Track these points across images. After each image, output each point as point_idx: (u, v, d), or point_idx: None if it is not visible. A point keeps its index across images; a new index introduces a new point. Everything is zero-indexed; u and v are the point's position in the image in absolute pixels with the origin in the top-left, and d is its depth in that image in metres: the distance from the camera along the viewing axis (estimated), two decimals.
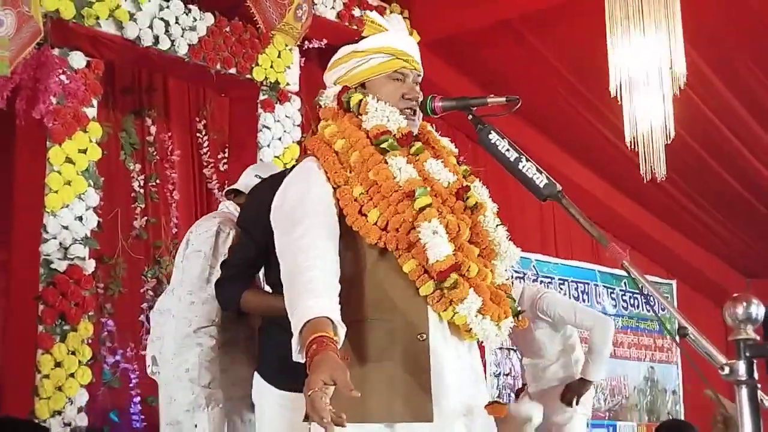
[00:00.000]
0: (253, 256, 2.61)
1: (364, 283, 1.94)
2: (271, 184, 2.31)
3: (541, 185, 1.83)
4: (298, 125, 4.81)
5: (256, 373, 2.64)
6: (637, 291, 7.16)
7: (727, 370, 1.51)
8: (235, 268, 2.63)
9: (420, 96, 2.08)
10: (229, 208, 3.02)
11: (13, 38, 3.46)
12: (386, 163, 1.96)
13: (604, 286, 6.96)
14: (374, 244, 1.92)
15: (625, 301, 7.13)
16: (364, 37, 2.16)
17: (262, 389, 2.59)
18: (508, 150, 1.88)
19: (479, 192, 2.11)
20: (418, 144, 2.07)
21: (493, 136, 1.90)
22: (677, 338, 1.68)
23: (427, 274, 1.90)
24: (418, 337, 1.90)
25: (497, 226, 2.10)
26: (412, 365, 1.89)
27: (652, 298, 1.72)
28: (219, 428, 2.80)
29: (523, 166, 1.87)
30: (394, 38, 2.13)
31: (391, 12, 5.26)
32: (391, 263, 1.93)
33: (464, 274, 1.93)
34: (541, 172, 1.85)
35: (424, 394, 1.87)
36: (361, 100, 2.06)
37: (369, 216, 1.93)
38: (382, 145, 1.97)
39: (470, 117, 1.98)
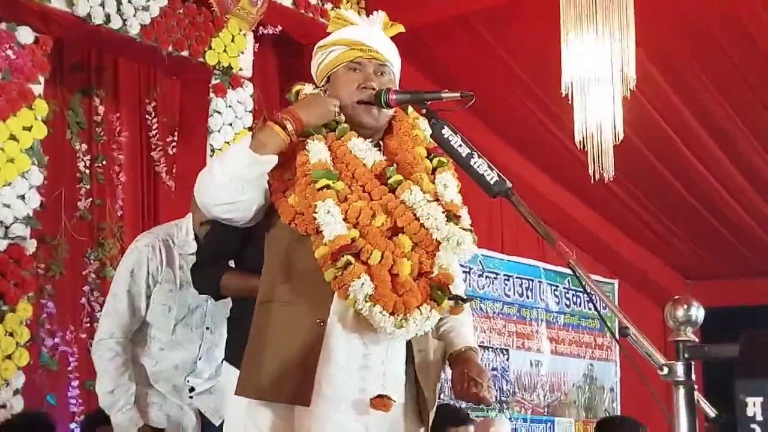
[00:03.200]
0: (228, 242, 2.60)
1: (278, 266, 2.04)
2: None
3: (492, 182, 1.85)
4: (250, 111, 4.77)
5: (224, 361, 2.66)
6: (581, 289, 7.26)
7: (666, 370, 1.54)
8: (210, 253, 2.61)
9: (381, 85, 2.08)
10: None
11: None
12: (306, 147, 2.02)
13: (548, 283, 7.04)
14: (289, 225, 1.99)
15: (568, 298, 7.22)
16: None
17: (231, 375, 2.58)
18: (460, 146, 1.89)
19: (445, 182, 2.09)
20: (342, 126, 2.08)
21: (446, 131, 1.91)
22: (617, 337, 1.71)
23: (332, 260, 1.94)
24: (318, 322, 1.96)
25: (438, 211, 2.03)
26: (306, 350, 1.95)
27: (595, 297, 1.75)
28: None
29: (475, 162, 1.89)
30: (353, 30, 2.14)
31: (347, 1, 5.24)
32: (307, 247, 1.98)
33: (365, 261, 1.94)
34: (492, 169, 1.86)
35: (307, 379, 1.93)
36: (298, 91, 2.15)
37: (289, 198, 2.01)
38: (306, 130, 2.03)
39: (424, 111, 1.99)
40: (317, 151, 2.01)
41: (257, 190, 2.00)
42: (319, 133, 2.04)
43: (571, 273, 1.72)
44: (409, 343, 2.04)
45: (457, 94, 1.96)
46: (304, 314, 1.97)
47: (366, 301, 1.91)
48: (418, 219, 2.01)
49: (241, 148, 1.97)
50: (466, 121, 5.41)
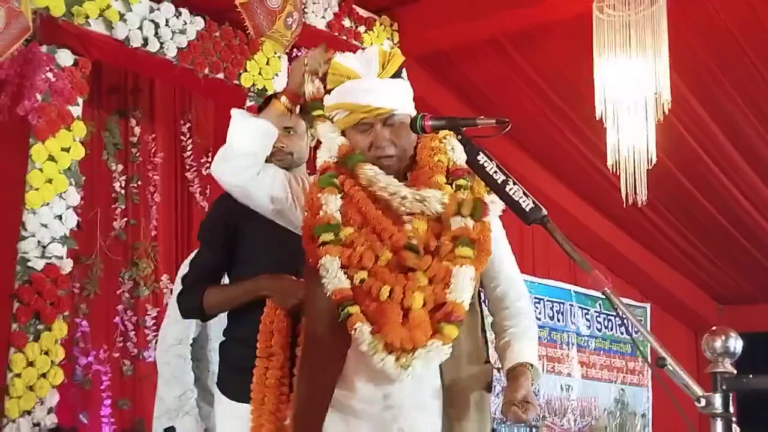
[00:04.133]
0: (211, 265, 2.61)
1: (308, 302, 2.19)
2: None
3: (527, 209, 1.84)
4: None
5: (215, 384, 2.71)
6: (612, 313, 7.20)
7: (703, 402, 1.53)
8: (194, 278, 2.63)
9: (392, 134, 2.12)
10: None
11: (2, 33, 3.43)
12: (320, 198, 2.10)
13: (579, 307, 7.00)
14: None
15: (599, 322, 7.17)
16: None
17: (219, 400, 2.64)
18: (495, 172, 1.89)
19: (465, 209, 2.08)
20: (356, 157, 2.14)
21: (482, 158, 1.91)
22: (647, 362, 1.70)
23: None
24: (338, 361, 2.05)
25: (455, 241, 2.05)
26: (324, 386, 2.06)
27: (630, 325, 1.74)
28: None
29: (510, 189, 1.88)
30: (351, 89, 2.14)
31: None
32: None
33: (376, 298, 1.99)
34: (527, 196, 1.86)
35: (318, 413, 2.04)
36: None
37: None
38: (320, 183, 2.11)
39: (459, 137, 1.99)
40: (326, 203, 2.06)
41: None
42: (329, 184, 2.10)
43: (604, 297, 1.71)
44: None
45: (492, 121, 1.96)
46: (325, 351, 2.06)
47: (369, 346, 1.95)
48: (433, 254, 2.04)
49: (258, 122, 2.12)
50: (498, 144, 5.41)
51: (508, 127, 1.92)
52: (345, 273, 1.99)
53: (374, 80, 2.15)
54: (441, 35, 5.35)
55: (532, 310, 2.30)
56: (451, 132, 2.11)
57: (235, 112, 2.13)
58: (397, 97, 2.16)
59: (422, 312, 1.97)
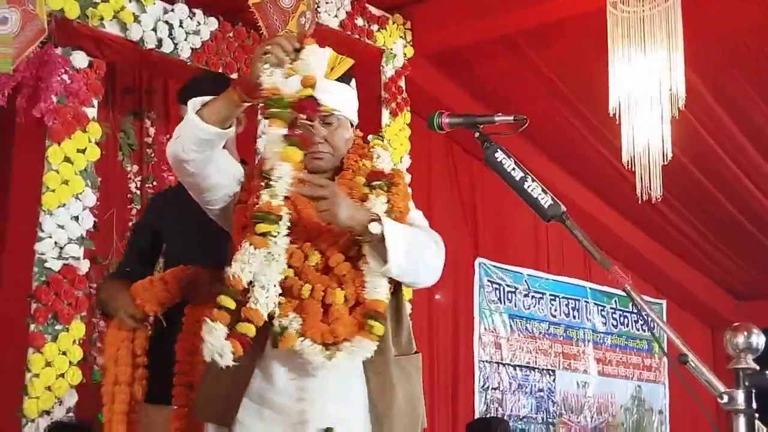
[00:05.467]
0: (136, 253, 2.88)
1: None
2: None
3: (546, 206, 1.84)
4: None
5: None
6: (628, 310, 7.18)
7: (726, 398, 1.52)
8: (117, 270, 2.86)
9: (327, 138, 2.18)
10: None
11: (17, 36, 3.46)
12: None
13: (594, 303, 6.98)
14: None
15: (615, 318, 7.15)
16: None
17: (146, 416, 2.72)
18: (513, 169, 1.89)
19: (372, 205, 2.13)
20: None
21: (500, 155, 1.91)
22: (668, 358, 1.69)
23: None
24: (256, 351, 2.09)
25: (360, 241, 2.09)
26: (239, 375, 2.09)
27: (650, 321, 1.73)
28: None
29: (529, 186, 1.88)
30: (297, 84, 2.15)
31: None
32: None
33: (299, 296, 2.04)
34: (546, 193, 1.86)
35: (232, 403, 2.12)
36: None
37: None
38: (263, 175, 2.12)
39: (477, 135, 1.99)
40: (270, 195, 2.07)
41: (209, 155, 2.08)
42: None
43: (619, 293, 1.71)
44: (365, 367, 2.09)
45: (510, 118, 1.96)
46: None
47: (297, 336, 2.01)
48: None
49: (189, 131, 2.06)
50: (512, 142, 5.40)
51: (526, 124, 1.91)
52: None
53: (327, 80, 2.20)
54: (454, 33, 5.34)
55: (434, 243, 2.21)
56: (379, 142, 2.29)
57: (189, 105, 2.06)
58: (340, 100, 2.21)
59: (342, 307, 2.04)
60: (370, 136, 2.31)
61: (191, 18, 4.29)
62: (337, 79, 2.21)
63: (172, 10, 4.21)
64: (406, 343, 2.21)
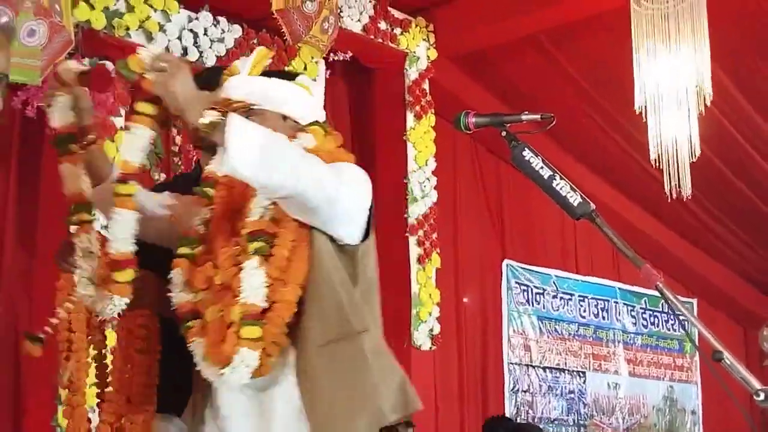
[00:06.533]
0: None
1: None
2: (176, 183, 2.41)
3: (575, 204, 1.83)
4: None
5: None
6: (659, 309, 7.12)
7: (762, 396, 1.51)
8: None
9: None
10: None
11: (45, 48, 3.49)
12: None
13: (624, 304, 6.92)
14: None
15: (645, 319, 7.09)
16: None
17: None
18: (542, 168, 1.88)
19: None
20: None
21: (527, 154, 1.90)
22: (702, 356, 1.67)
23: None
24: None
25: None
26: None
27: (683, 319, 1.72)
28: None
29: (557, 184, 1.87)
30: (226, 86, 2.18)
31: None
32: None
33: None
34: (575, 191, 1.84)
35: None
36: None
37: None
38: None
39: (504, 133, 1.98)
40: (195, 214, 2.08)
41: None
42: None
43: (649, 292, 1.70)
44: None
45: (537, 116, 1.95)
46: None
47: (203, 360, 1.97)
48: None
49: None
50: (537, 141, 5.38)
51: (553, 123, 1.90)
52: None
53: (238, 77, 2.15)
54: (478, 34, 5.34)
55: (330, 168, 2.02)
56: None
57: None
58: (259, 94, 2.11)
59: (222, 324, 1.95)
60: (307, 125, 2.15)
61: (215, 26, 4.32)
62: (265, 74, 2.16)
63: (197, 19, 4.24)
64: (338, 324, 1.99)
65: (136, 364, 2.19)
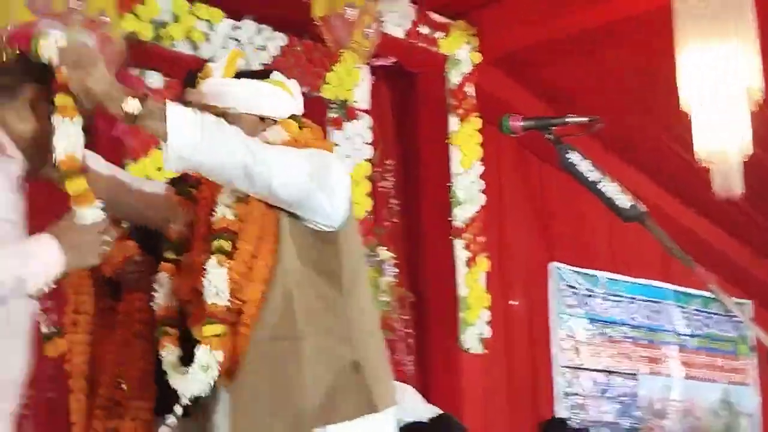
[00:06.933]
0: None
1: None
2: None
3: (625, 206, 1.82)
4: (368, 143, 4.84)
5: None
6: (712, 311, 7.00)
7: None
8: None
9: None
10: None
11: None
12: None
13: (676, 305, 6.81)
14: None
15: (698, 320, 6.97)
16: None
17: None
18: (590, 170, 1.86)
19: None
20: None
21: (574, 157, 1.89)
22: (752, 359, 1.64)
23: None
24: None
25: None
26: None
27: (736, 320, 1.69)
28: None
29: (606, 187, 1.86)
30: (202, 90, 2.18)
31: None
32: None
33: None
34: (624, 193, 1.83)
35: None
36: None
37: None
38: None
39: (550, 137, 1.97)
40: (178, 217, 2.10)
41: None
42: None
43: (702, 293, 1.67)
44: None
45: (584, 119, 1.94)
46: None
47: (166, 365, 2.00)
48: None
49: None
50: (582, 143, 5.33)
51: (601, 124, 1.89)
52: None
53: (211, 80, 2.14)
54: (520, 36, 5.31)
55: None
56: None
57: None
58: (234, 97, 2.10)
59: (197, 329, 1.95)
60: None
61: (259, 33, 4.36)
62: (239, 75, 2.14)
63: (240, 27, 4.28)
64: (283, 324, 1.94)
65: (133, 348, 2.12)
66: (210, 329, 1.90)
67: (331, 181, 1.98)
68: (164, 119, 1.78)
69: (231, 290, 1.90)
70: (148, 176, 3.88)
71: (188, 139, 1.79)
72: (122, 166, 3.86)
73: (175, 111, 1.80)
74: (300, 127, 2.12)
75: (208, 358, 1.88)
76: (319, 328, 1.95)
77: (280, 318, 1.92)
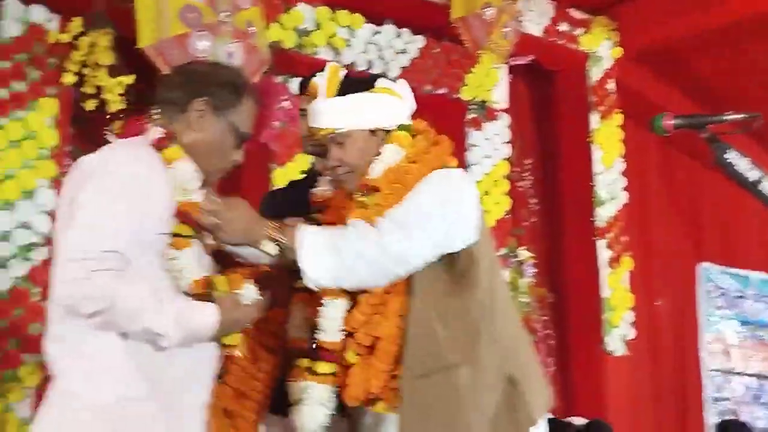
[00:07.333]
0: None
1: None
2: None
3: None
4: (507, 142, 4.82)
5: None
6: None
7: None
8: None
9: (341, 158, 2.05)
10: None
11: (242, 68, 3.68)
12: None
13: None
14: None
15: None
16: None
17: None
18: (749, 169, 1.80)
19: None
20: None
21: (732, 155, 1.83)
22: None
23: None
24: None
25: None
26: None
27: None
28: None
29: (765, 187, 1.79)
30: (309, 111, 2.14)
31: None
32: None
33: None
34: None
35: None
36: None
37: None
38: None
39: (705, 135, 1.91)
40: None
41: None
42: None
43: None
44: None
45: (742, 116, 1.87)
46: None
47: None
48: None
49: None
50: (736, 141, 5.12)
51: (761, 121, 1.82)
52: None
53: (317, 101, 2.10)
54: (664, 29, 5.15)
55: (371, 230, 1.93)
56: (397, 134, 2.03)
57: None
58: (342, 116, 2.06)
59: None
60: (395, 128, 2.08)
61: (398, 37, 4.42)
62: (341, 92, 2.08)
63: (380, 32, 4.35)
64: (431, 358, 1.93)
65: (261, 360, 2.12)
66: (323, 367, 1.94)
67: (463, 209, 1.97)
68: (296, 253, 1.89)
69: (364, 325, 1.92)
70: (292, 180, 3.99)
71: (323, 272, 1.90)
72: (269, 170, 4.00)
73: (306, 248, 1.89)
74: (413, 135, 2.07)
75: (322, 395, 1.94)
76: (467, 353, 1.94)
77: (426, 352, 1.93)
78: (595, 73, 5.15)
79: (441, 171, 2.00)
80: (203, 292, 1.85)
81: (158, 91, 1.99)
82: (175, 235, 1.85)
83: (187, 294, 1.85)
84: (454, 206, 1.95)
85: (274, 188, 3.51)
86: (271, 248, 1.90)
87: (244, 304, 1.87)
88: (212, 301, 1.84)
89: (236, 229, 1.89)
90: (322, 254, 1.88)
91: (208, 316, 1.81)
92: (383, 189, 1.97)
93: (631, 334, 5.01)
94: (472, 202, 2.02)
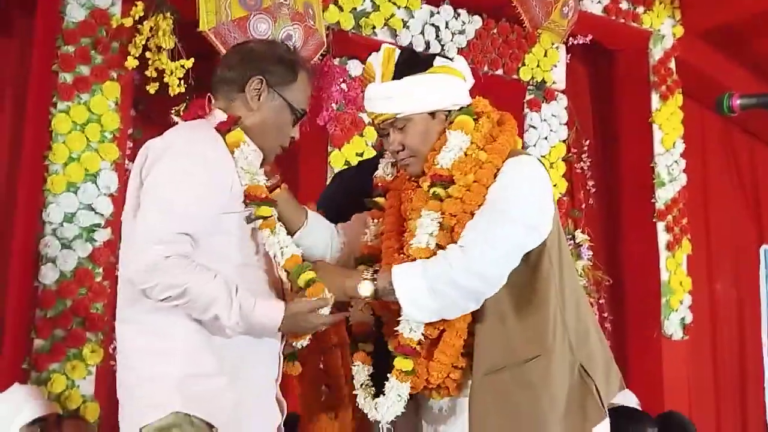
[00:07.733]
0: None
1: None
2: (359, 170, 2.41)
3: None
4: (565, 124, 4.77)
5: None
6: None
7: None
8: None
9: (402, 143, 2.05)
10: None
11: (300, 50, 3.70)
12: None
13: None
14: None
15: None
16: None
17: None
18: None
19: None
20: None
21: None
22: None
23: None
24: None
25: None
26: None
27: None
28: None
29: None
30: (365, 95, 2.11)
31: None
32: None
33: None
34: None
35: None
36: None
37: None
38: None
39: None
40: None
41: None
42: None
43: None
44: None
45: None
46: None
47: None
48: None
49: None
50: None
51: None
52: None
53: (374, 86, 2.07)
54: (728, 7, 5.03)
55: (460, 255, 1.91)
56: (459, 118, 2.01)
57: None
58: (400, 100, 2.02)
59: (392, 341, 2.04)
60: (456, 112, 2.05)
61: (456, 18, 4.39)
62: (398, 75, 2.03)
63: (438, 13, 4.33)
64: (502, 354, 1.95)
65: (334, 357, 2.23)
66: (401, 363, 1.95)
67: (542, 204, 1.99)
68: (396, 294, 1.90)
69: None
70: (348, 162, 4.01)
71: (427, 314, 1.91)
72: (326, 153, 4.02)
73: (403, 289, 1.89)
74: (475, 118, 2.04)
75: (399, 390, 1.97)
76: (541, 344, 1.94)
77: (498, 347, 1.95)
78: (656, 53, 5.06)
79: (513, 163, 1.98)
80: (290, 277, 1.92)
81: (216, 71, 2.02)
82: (258, 217, 1.89)
83: (286, 271, 1.92)
84: (535, 206, 1.97)
85: (342, 170, 3.53)
86: (366, 289, 1.94)
87: (315, 314, 1.90)
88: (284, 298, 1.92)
89: (335, 289, 1.92)
90: (421, 299, 1.89)
91: (273, 319, 1.86)
92: (458, 180, 1.96)
93: (690, 318, 4.94)
94: (547, 193, 2.03)
